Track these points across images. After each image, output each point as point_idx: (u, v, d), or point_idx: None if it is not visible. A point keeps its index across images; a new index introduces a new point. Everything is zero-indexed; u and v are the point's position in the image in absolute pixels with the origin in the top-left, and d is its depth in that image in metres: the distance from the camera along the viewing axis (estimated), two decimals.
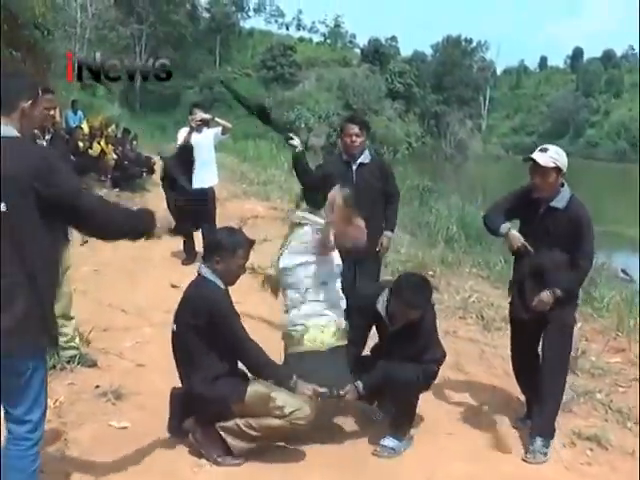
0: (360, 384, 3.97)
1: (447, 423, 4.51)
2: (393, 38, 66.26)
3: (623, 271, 10.81)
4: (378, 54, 57.24)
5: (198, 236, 8.17)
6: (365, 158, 5.41)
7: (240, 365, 3.90)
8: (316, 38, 70.37)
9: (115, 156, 13.64)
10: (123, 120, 23.86)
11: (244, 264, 3.88)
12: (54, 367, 4.73)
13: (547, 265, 4.14)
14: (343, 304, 4.30)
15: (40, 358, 2.77)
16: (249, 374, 3.87)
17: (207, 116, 7.99)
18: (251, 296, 5.36)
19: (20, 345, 2.62)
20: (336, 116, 41.78)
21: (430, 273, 8.09)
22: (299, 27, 71.74)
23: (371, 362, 4.19)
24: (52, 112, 4.60)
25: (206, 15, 56.33)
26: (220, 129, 8.15)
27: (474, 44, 70.08)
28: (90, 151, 13.27)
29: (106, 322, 5.79)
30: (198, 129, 7.83)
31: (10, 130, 2.64)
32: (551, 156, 4.07)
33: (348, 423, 4.38)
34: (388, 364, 3.98)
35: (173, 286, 6.49)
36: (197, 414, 3.81)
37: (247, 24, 64.14)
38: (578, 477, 3.99)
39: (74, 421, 4.13)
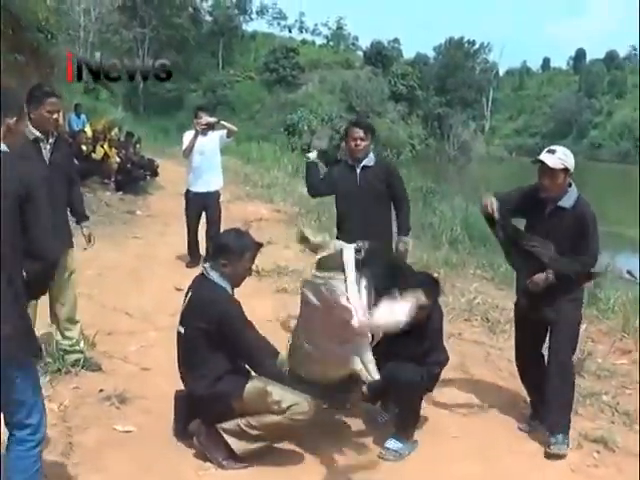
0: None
1: (452, 425, 4.49)
2: (395, 40, 66.22)
3: (628, 272, 10.75)
4: (381, 56, 57.19)
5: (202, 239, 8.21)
6: (369, 161, 5.39)
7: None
8: (319, 40, 70.40)
9: (118, 159, 13.64)
10: (126, 123, 23.85)
11: (251, 267, 3.88)
12: (59, 371, 4.74)
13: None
14: None
15: (26, 369, 2.78)
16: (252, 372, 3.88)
17: (212, 119, 7.99)
18: (254, 298, 5.35)
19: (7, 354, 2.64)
20: (339, 118, 41.68)
21: (434, 275, 8.05)
22: (302, 30, 71.71)
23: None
24: (56, 116, 4.59)
25: (209, 18, 56.29)
26: (225, 132, 8.10)
27: (477, 46, 70.01)
28: (93, 154, 13.31)
29: (111, 326, 5.78)
30: (203, 132, 7.84)
31: None
32: (559, 157, 4.09)
33: (352, 425, 4.37)
34: (392, 365, 3.97)
35: (177, 289, 6.47)
36: (201, 415, 3.81)
37: (250, 27, 64.05)
38: (584, 479, 3.98)
39: (79, 425, 4.12)
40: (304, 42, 66.17)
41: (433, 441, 4.20)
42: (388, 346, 4.22)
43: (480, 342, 6.23)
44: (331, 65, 55.11)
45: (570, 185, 4.18)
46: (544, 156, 4.11)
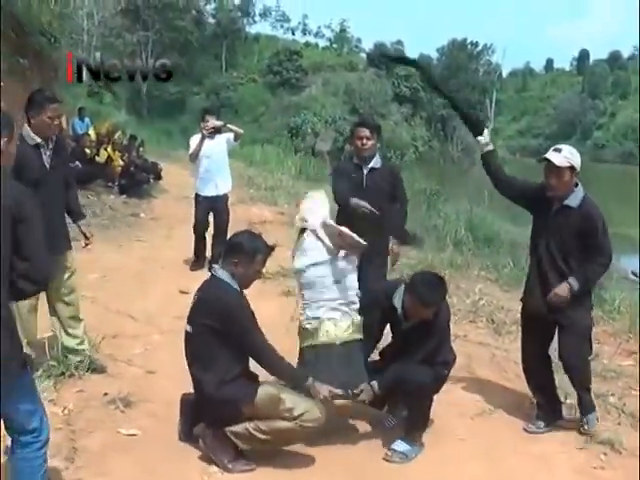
0: (375, 384, 3.96)
1: (458, 427, 4.47)
2: (399, 42, 66.35)
3: (633, 273, 10.72)
4: (384, 58, 57.15)
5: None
6: (376, 163, 5.42)
7: (252, 367, 3.88)
8: (322, 43, 70.29)
9: (122, 163, 13.63)
10: (130, 127, 23.87)
11: (261, 270, 3.87)
12: (62, 374, 4.72)
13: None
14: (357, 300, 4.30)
15: (21, 378, 2.76)
16: (259, 377, 3.85)
17: (219, 123, 7.95)
18: (258, 300, 5.32)
19: None
20: (343, 120, 41.67)
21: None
22: (305, 32, 71.64)
23: (380, 365, 4.18)
24: (57, 122, 4.58)
25: (212, 21, 56.27)
26: (232, 135, 8.06)
27: (480, 47, 70.01)
28: (97, 158, 13.30)
29: (115, 329, 5.77)
30: (210, 136, 7.81)
31: None
32: (565, 156, 4.11)
33: (359, 428, 4.36)
34: (401, 366, 3.96)
35: (182, 292, 6.48)
36: (208, 417, 3.79)
37: (253, 29, 63.94)
38: None
39: (83, 428, 4.11)
40: (307, 44, 66.17)
41: (438, 442, 4.18)
42: (396, 345, 4.23)
43: (485, 343, 6.21)
44: (334, 67, 55.01)
45: (577, 185, 4.20)
46: (550, 154, 4.14)
